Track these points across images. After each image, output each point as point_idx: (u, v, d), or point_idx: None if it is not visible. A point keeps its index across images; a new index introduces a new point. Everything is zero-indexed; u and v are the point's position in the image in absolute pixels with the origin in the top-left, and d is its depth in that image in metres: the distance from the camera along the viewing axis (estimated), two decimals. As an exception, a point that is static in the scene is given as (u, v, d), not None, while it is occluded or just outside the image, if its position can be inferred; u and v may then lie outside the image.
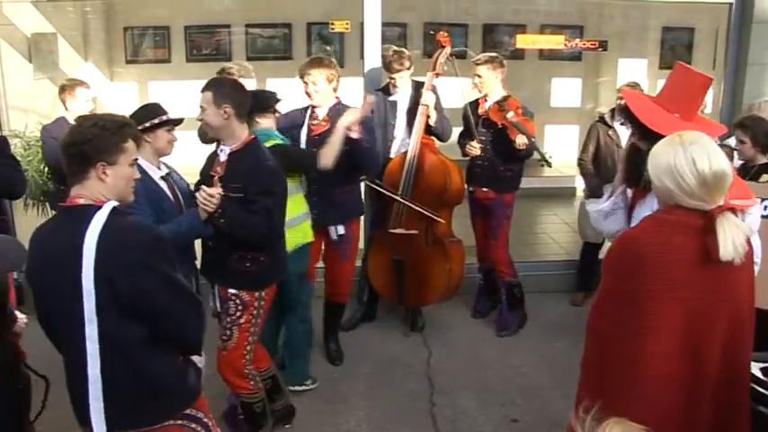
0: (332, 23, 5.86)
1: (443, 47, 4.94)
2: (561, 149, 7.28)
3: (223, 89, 3.41)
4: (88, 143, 2.31)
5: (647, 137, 2.91)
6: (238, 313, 3.53)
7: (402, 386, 4.53)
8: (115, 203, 2.33)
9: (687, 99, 2.90)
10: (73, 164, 2.33)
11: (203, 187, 3.28)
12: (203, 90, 3.43)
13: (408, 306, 5.35)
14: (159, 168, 3.43)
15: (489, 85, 5.00)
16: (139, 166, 3.06)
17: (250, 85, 6.17)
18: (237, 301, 3.52)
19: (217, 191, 3.23)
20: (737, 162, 4.48)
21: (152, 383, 2.39)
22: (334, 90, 4.46)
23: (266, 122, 4.07)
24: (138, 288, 2.26)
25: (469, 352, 5.01)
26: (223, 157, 3.46)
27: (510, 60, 5.34)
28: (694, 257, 2.20)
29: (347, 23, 5.77)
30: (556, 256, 6.73)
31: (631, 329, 2.27)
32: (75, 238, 2.23)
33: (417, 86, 5.01)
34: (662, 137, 2.72)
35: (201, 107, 3.43)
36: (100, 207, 2.28)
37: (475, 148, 4.99)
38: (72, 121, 4.99)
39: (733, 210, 2.25)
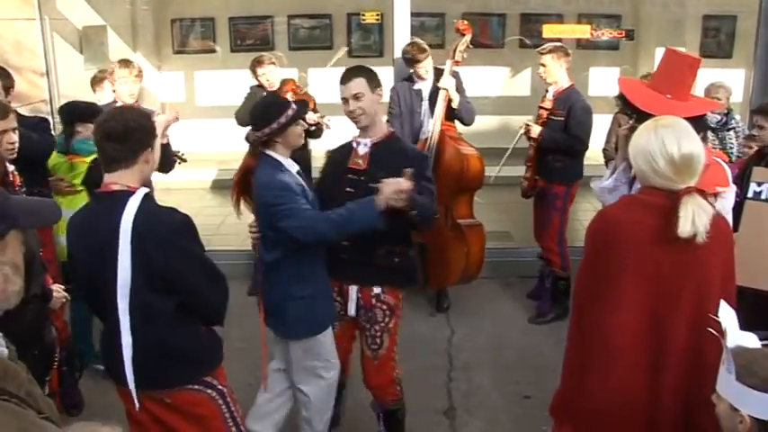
0: (362, 15, 6.04)
1: (463, 35, 5.06)
2: (599, 138, 7.36)
3: (372, 73, 3.29)
4: (142, 130, 2.55)
5: (643, 119, 3.06)
6: (387, 319, 3.40)
7: (422, 361, 4.71)
8: (147, 190, 2.58)
9: (678, 80, 3.04)
10: (125, 149, 2.52)
11: (389, 181, 2.99)
12: (351, 78, 3.24)
13: (431, 288, 5.52)
14: (290, 162, 3.30)
15: (554, 73, 5.08)
16: (279, 162, 3.16)
17: (290, 73, 6.43)
18: (384, 307, 3.37)
19: (408, 185, 2.98)
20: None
21: (177, 351, 2.64)
22: None
23: (87, 132, 4.09)
24: (170, 263, 2.51)
25: (491, 332, 5.17)
26: (363, 150, 3.32)
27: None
28: (661, 236, 2.32)
29: (378, 14, 5.94)
30: (583, 242, 6.79)
31: (602, 301, 2.43)
32: (113, 220, 2.47)
33: (438, 74, 5.15)
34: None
35: (356, 95, 3.22)
36: (133, 192, 2.52)
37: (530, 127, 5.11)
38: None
39: (701, 192, 2.35)
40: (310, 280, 3.23)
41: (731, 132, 5.34)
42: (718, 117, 5.28)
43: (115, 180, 2.55)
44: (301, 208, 3.04)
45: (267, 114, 3.12)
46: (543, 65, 5.09)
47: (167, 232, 2.52)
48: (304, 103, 3.38)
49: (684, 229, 2.25)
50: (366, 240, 3.17)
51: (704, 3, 8.70)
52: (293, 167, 3.21)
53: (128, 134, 2.51)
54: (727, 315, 1.78)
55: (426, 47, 5.14)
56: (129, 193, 2.52)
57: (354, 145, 3.36)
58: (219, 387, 2.79)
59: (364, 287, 3.35)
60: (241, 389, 4.26)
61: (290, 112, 3.12)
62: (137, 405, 2.65)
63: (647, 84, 3.17)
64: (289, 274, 3.20)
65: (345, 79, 3.25)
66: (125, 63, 4.74)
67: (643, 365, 2.41)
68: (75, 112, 4.34)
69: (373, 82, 3.25)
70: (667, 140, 2.33)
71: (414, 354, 4.82)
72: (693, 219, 2.27)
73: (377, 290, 3.34)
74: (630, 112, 3.16)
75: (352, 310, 3.39)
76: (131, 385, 2.61)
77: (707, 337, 2.31)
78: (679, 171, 2.33)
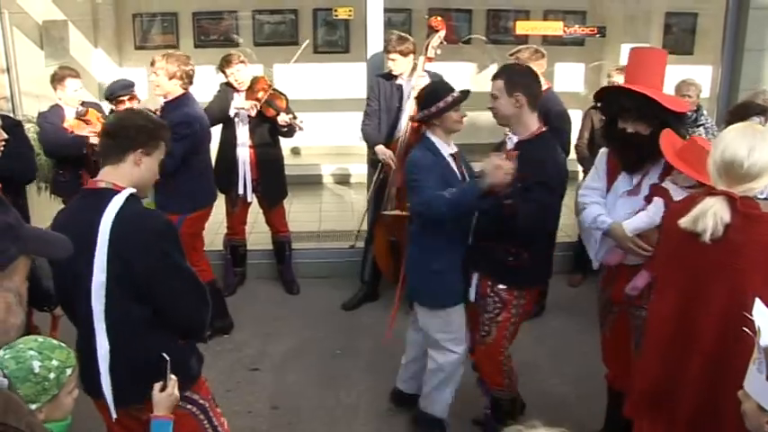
0: (335, 10, 5.97)
1: (436, 31, 5.00)
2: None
3: (515, 77, 3.38)
4: (135, 129, 2.53)
5: (647, 120, 3.03)
6: (497, 311, 3.53)
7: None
8: (133, 190, 2.49)
9: (658, 76, 3.06)
10: (114, 146, 2.52)
11: (493, 155, 3.27)
12: (494, 78, 3.42)
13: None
14: (449, 146, 3.54)
15: None
16: (432, 143, 3.49)
17: (256, 70, 6.32)
18: (497, 299, 3.52)
19: (508, 164, 3.14)
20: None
21: (154, 363, 2.46)
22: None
23: None
24: (149, 269, 2.41)
25: (468, 330, 5.15)
26: (510, 145, 3.45)
27: (513, 46, 5.43)
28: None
29: (350, 10, 5.87)
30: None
31: (656, 287, 2.69)
32: (93, 218, 2.38)
33: (412, 71, 5.10)
34: (661, 119, 2.90)
35: (493, 95, 3.40)
36: (118, 192, 2.44)
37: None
38: (66, 108, 5.15)
39: (732, 197, 2.36)
40: (440, 254, 3.51)
41: (701, 129, 5.42)
42: (689, 114, 5.34)
43: (102, 177, 2.50)
44: (426, 186, 3.33)
45: (429, 97, 3.46)
46: None
47: (148, 235, 2.44)
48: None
49: (686, 222, 2.37)
50: (489, 233, 3.43)
51: (667, 0, 8.81)
52: (447, 150, 3.51)
53: (118, 130, 2.52)
54: (761, 314, 1.76)
55: (406, 45, 5.07)
56: (113, 191, 2.44)
57: (507, 140, 3.55)
58: (201, 402, 2.69)
59: (483, 277, 3.55)
60: (219, 395, 4.18)
61: (449, 98, 3.42)
62: (113, 416, 2.53)
63: (640, 85, 3.11)
64: (420, 247, 3.58)
65: (492, 77, 3.47)
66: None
67: (671, 357, 2.51)
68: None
69: (512, 86, 3.33)
70: (719, 142, 2.40)
71: (393, 354, 4.77)
72: (697, 217, 2.34)
73: (493, 284, 3.51)
74: (633, 114, 3.08)
75: (471, 296, 3.61)
76: (108, 397, 2.49)
77: (735, 344, 2.31)
78: (719, 172, 2.38)
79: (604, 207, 3.25)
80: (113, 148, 2.51)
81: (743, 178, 2.34)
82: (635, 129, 3.07)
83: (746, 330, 1.73)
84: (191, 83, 4.58)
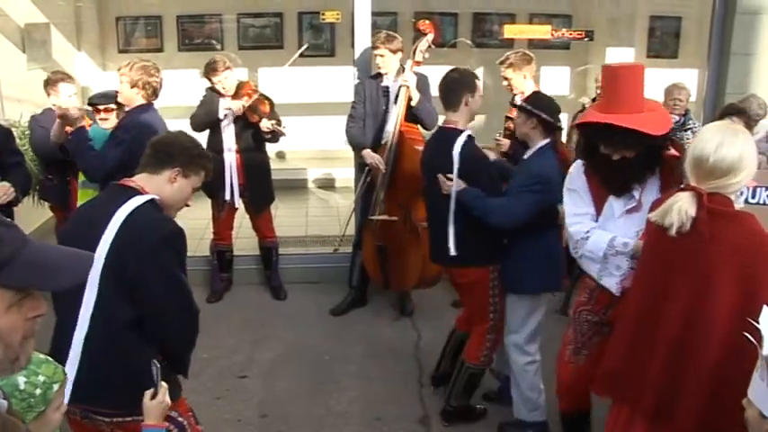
0: (322, 14, 5.94)
1: (424, 35, 4.96)
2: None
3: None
4: (179, 147, 2.62)
5: (631, 145, 2.95)
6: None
7: (392, 368, 4.65)
8: (156, 196, 2.53)
9: (637, 94, 2.94)
10: (155, 157, 2.60)
11: None
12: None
13: (393, 291, 5.47)
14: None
15: (519, 84, 4.79)
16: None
17: (240, 74, 6.28)
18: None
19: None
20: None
21: (128, 371, 2.42)
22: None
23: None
24: (142, 271, 2.40)
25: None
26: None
27: (499, 49, 5.40)
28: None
29: (338, 14, 5.85)
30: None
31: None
32: (109, 210, 2.44)
33: (398, 73, 5.07)
34: (647, 144, 2.87)
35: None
36: (142, 194, 2.51)
37: (500, 142, 4.89)
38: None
39: (699, 193, 2.40)
40: None
41: (688, 132, 5.45)
42: (677, 118, 5.37)
43: (135, 180, 2.57)
44: None
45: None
46: (506, 78, 4.82)
47: (152, 239, 2.44)
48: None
49: (655, 216, 2.48)
50: None
51: (652, 4, 8.86)
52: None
53: (162, 145, 2.62)
54: (766, 322, 1.74)
55: (393, 42, 5.03)
56: (138, 192, 2.51)
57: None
58: (179, 419, 2.59)
59: None
60: (208, 403, 4.15)
61: None
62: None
63: (621, 112, 2.94)
64: None
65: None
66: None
67: (638, 343, 2.59)
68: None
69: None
70: (696, 139, 2.48)
71: (383, 360, 4.77)
72: (665, 212, 2.43)
73: None
74: (619, 141, 2.98)
75: None
76: (67, 388, 2.38)
77: (696, 335, 2.43)
78: (690, 168, 2.44)
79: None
80: (152, 159, 2.60)
81: (710, 174, 2.38)
82: (621, 155, 2.94)
83: (750, 338, 1.70)
84: (154, 95, 4.35)
